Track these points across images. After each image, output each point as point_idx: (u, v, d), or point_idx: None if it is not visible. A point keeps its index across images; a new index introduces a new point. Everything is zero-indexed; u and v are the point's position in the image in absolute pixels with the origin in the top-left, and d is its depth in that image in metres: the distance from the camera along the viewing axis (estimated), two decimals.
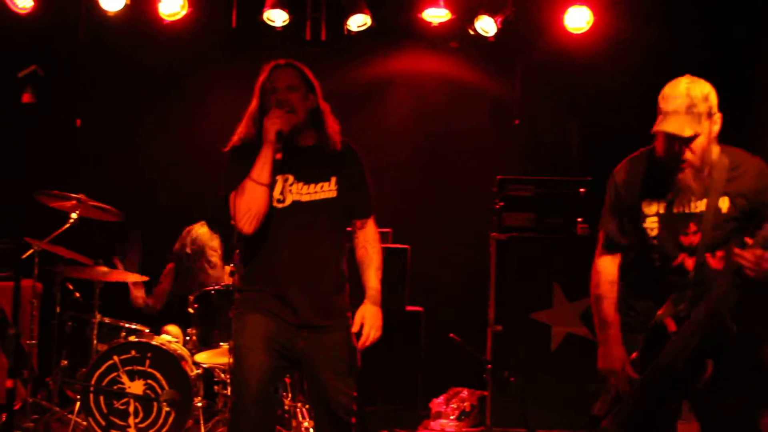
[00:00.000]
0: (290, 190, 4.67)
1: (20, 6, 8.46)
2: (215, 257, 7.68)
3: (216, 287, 6.89)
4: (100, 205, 7.00)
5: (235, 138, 4.84)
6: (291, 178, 4.68)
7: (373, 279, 4.83)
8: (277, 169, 4.62)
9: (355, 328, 4.69)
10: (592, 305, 4.49)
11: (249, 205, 4.54)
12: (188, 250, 7.62)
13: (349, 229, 4.92)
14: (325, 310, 4.70)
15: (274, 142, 4.55)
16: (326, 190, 4.73)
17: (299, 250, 4.65)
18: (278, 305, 4.63)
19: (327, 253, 4.74)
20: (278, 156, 4.59)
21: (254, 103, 4.81)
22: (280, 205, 4.65)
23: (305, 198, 4.69)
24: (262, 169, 4.55)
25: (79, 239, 7.07)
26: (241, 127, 4.84)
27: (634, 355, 4.29)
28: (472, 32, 8.66)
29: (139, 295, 7.78)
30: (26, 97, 4.99)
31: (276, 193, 4.64)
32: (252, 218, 4.56)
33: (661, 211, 4.34)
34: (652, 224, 4.35)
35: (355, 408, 4.74)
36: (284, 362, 4.67)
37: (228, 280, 7.07)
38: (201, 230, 7.67)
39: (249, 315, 4.68)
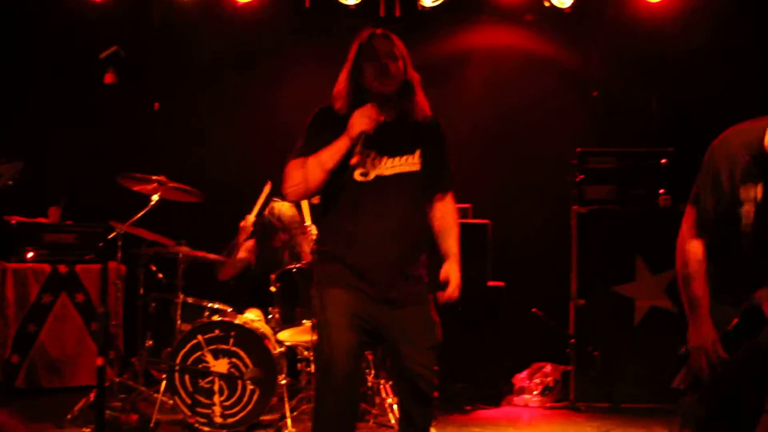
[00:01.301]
0: (373, 165, 4.60)
1: None
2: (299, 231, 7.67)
3: (297, 265, 6.89)
4: (181, 186, 7.04)
5: (331, 100, 4.74)
6: (373, 154, 4.59)
7: (453, 245, 4.77)
8: (361, 146, 4.51)
9: (442, 278, 4.66)
10: (680, 285, 4.23)
11: (304, 179, 4.56)
12: (276, 226, 7.59)
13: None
14: (407, 283, 4.65)
15: (354, 138, 4.49)
16: (410, 163, 4.66)
17: (381, 223, 4.59)
18: (360, 279, 4.58)
19: (410, 226, 4.68)
20: (353, 161, 4.50)
21: (348, 67, 4.71)
22: (363, 179, 4.59)
23: (388, 171, 4.62)
24: (331, 157, 4.53)
25: (160, 220, 7.12)
26: (336, 89, 4.73)
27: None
28: (547, 4, 8.60)
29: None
30: (108, 78, 5.02)
31: (359, 169, 4.57)
32: (300, 192, 4.62)
33: (758, 197, 4.01)
34: (747, 210, 4.03)
35: (436, 382, 4.67)
36: (367, 337, 4.63)
37: (308, 258, 7.07)
38: (284, 206, 7.64)
39: (330, 290, 4.62)
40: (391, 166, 4.64)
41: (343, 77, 4.73)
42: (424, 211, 4.80)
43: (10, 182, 5.27)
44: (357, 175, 4.58)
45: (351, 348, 4.52)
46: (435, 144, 4.78)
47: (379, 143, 4.59)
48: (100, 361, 3.87)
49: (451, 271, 4.69)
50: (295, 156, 4.63)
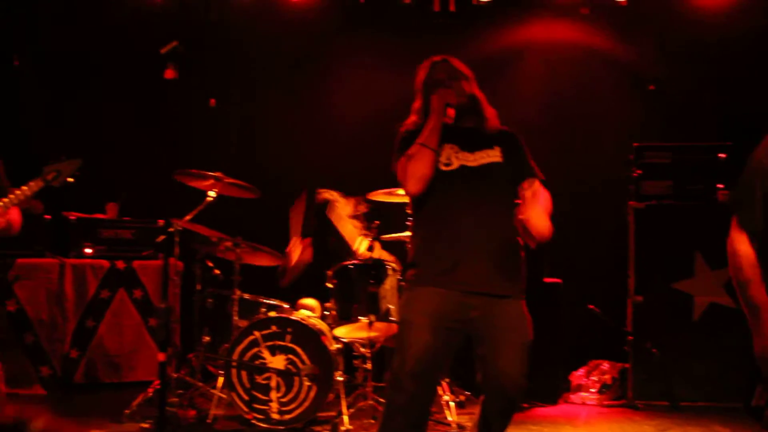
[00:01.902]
0: (457, 156, 4.70)
1: None
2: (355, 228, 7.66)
3: (354, 262, 6.89)
4: (237, 182, 7.06)
5: (405, 128, 4.92)
6: (457, 147, 4.71)
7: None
8: (443, 139, 4.66)
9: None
10: (737, 290, 4.02)
11: (415, 167, 4.60)
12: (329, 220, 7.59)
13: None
14: (500, 277, 4.60)
15: (441, 111, 4.66)
16: (491, 155, 4.73)
17: (471, 215, 4.63)
18: (450, 274, 4.56)
19: (499, 217, 4.66)
20: (447, 118, 4.65)
21: (418, 102, 4.94)
22: (447, 168, 4.66)
23: (472, 163, 4.71)
24: (430, 135, 4.64)
25: (217, 217, 7.14)
26: (409, 120, 4.94)
27: None
28: None
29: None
30: (168, 73, 5.03)
31: (443, 158, 4.67)
32: (418, 179, 4.61)
33: None
34: None
35: (525, 386, 4.56)
36: (454, 338, 4.59)
37: (365, 255, 7.06)
38: (340, 201, 7.64)
39: (418, 288, 4.64)
40: (474, 159, 4.71)
41: (414, 108, 4.95)
42: (513, 204, 4.66)
43: (70, 179, 5.28)
44: (441, 165, 4.67)
45: (427, 349, 4.49)
46: (512, 143, 4.84)
47: (459, 140, 4.72)
48: (161, 357, 3.88)
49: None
50: (398, 158, 4.76)
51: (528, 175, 4.75)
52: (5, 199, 5.12)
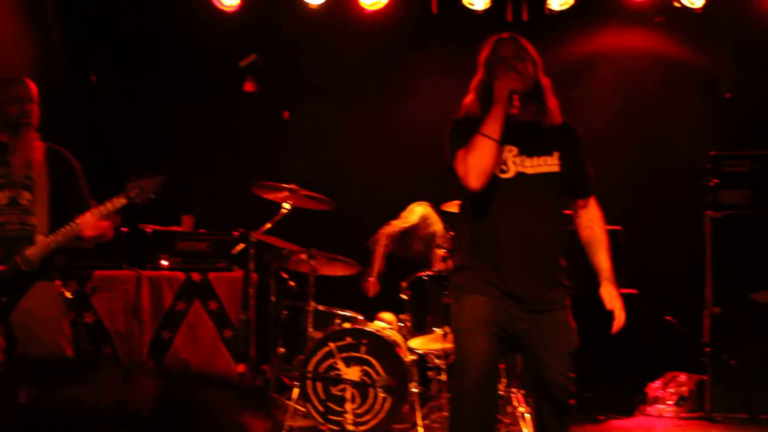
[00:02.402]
0: (514, 162, 4.55)
1: (227, 4, 8.71)
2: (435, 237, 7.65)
3: (429, 273, 6.88)
4: (312, 194, 7.08)
5: (462, 111, 4.75)
6: (515, 150, 4.56)
7: (605, 260, 4.72)
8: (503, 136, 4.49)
9: (608, 308, 4.66)
10: None
11: (478, 159, 4.43)
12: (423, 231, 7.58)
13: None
14: (547, 288, 4.59)
15: (506, 100, 4.46)
16: (549, 164, 4.59)
17: (522, 224, 4.56)
18: (498, 283, 4.53)
19: (551, 228, 4.64)
20: (514, 109, 4.47)
21: (479, 76, 4.73)
22: (503, 176, 4.54)
23: (530, 170, 4.57)
24: (493, 124, 4.45)
25: (291, 228, 7.17)
26: (466, 100, 4.76)
27: None
28: (677, 5, 8.45)
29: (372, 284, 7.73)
30: (248, 86, 5.09)
31: (499, 163, 4.52)
32: (480, 173, 4.44)
33: None
34: None
35: (573, 390, 4.62)
36: (503, 345, 4.61)
37: (440, 266, 7.05)
38: (427, 210, 7.63)
39: (467, 296, 4.61)
40: (531, 166, 4.57)
41: (473, 84, 4.74)
42: (564, 216, 4.74)
43: (152, 196, 5.37)
44: (497, 171, 4.52)
45: (486, 356, 4.52)
46: (572, 147, 4.71)
47: (519, 141, 4.56)
48: (241, 369, 3.90)
49: (612, 296, 4.68)
50: (456, 150, 4.57)
51: (586, 193, 4.80)
52: (101, 207, 5.25)
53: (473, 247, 4.68)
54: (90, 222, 5.26)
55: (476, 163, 4.44)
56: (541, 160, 4.58)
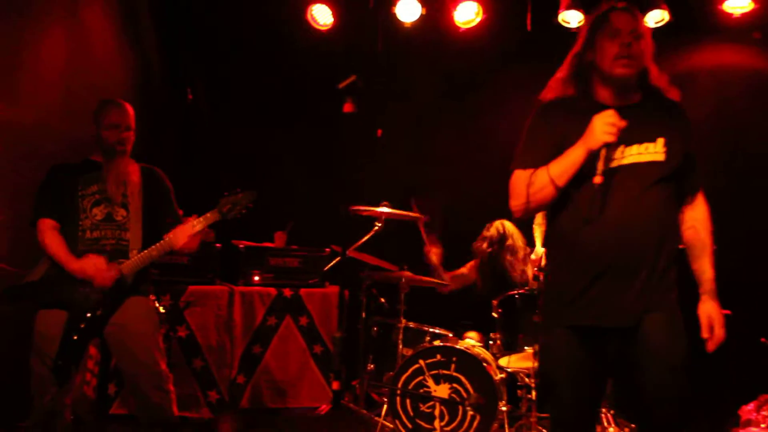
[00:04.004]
0: (607, 155, 4.01)
1: (321, 23, 8.82)
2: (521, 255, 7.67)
3: (520, 291, 6.85)
4: (403, 213, 7.09)
5: (549, 91, 4.37)
6: (606, 150, 4.01)
7: (708, 268, 4.25)
8: (603, 160, 3.99)
9: (704, 333, 4.15)
10: None
11: (533, 196, 4.09)
12: (499, 246, 7.64)
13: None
14: (650, 297, 4.05)
15: (594, 151, 3.99)
16: (652, 152, 4.10)
17: (620, 225, 4.03)
18: (589, 306, 4.06)
19: (655, 228, 4.08)
20: (596, 180, 3.95)
21: (577, 49, 4.30)
22: (594, 178, 3.99)
23: (626, 160, 4.08)
24: (564, 172, 4.03)
25: (383, 245, 7.19)
26: (557, 75, 4.38)
27: None
28: None
29: (435, 251, 7.79)
30: (347, 107, 5.14)
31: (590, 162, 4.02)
32: (526, 210, 4.15)
33: None
34: None
35: (687, 408, 4.11)
36: (602, 370, 4.21)
37: (533, 284, 7.02)
38: (509, 226, 7.68)
39: (555, 332, 4.21)
40: (630, 154, 4.09)
41: (568, 59, 4.35)
42: (672, 211, 4.23)
43: (244, 211, 5.44)
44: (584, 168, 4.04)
45: (578, 402, 4.18)
46: (680, 132, 4.20)
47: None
48: (336, 386, 3.93)
49: (711, 311, 4.21)
50: (520, 166, 4.21)
51: (692, 187, 4.30)
52: (193, 221, 5.34)
53: (563, 261, 4.24)
54: (181, 235, 5.35)
55: (526, 201, 4.13)
56: (642, 147, 4.09)
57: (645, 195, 4.08)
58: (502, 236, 7.67)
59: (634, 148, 4.10)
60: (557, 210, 4.23)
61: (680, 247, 4.29)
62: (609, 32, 4.12)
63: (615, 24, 4.11)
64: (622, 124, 3.96)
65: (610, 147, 4.02)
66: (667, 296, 4.13)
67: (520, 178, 4.16)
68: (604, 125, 3.95)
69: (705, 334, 4.17)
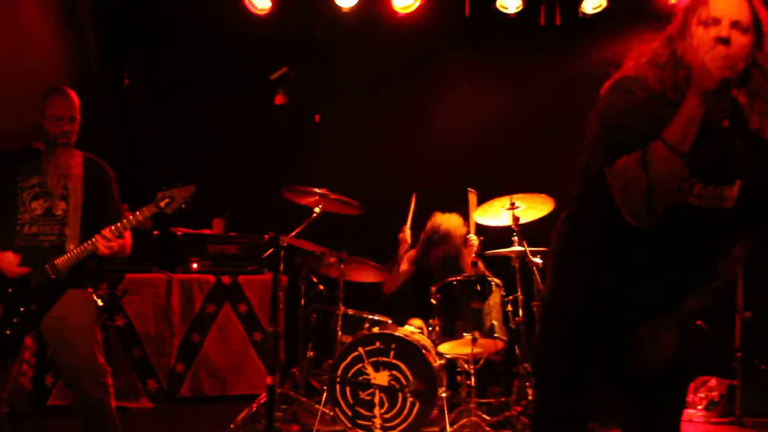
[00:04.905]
0: (680, 188, 3.26)
1: (259, 7, 8.74)
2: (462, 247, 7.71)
3: (458, 278, 6.87)
4: (343, 198, 7.09)
5: (627, 79, 3.38)
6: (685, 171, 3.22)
7: None
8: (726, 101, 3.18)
9: None
10: None
11: (659, 180, 3.13)
12: (436, 238, 7.67)
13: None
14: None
15: (711, 93, 3.08)
16: (726, 196, 3.31)
17: (664, 274, 3.41)
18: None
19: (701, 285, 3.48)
20: (725, 123, 3.20)
21: (672, 30, 3.38)
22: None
23: (695, 200, 3.29)
24: (684, 132, 3.09)
25: (321, 232, 7.18)
26: (638, 60, 3.45)
27: None
28: None
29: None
30: (279, 99, 5.06)
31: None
32: (658, 203, 3.20)
33: None
34: None
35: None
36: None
37: (470, 271, 7.05)
38: (447, 218, 7.71)
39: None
40: (700, 196, 3.28)
41: (658, 41, 3.44)
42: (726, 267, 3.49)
43: (184, 206, 5.38)
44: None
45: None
46: (762, 174, 3.31)
47: (691, 157, 3.15)
48: (269, 380, 3.89)
49: None
50: (618, 154, 3.22)
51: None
52: (118, 224, 5.25)
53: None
54: (104, 240, 5.27)
55: (652, 186, 3.14)
56: (719, 190, 3.29)
57: (700, 243, 3.38)
58: (438, 228, 7.70)
59: (710, 190, 3.29)
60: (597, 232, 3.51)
61: None
62: (705, 16, 3.24)
63: (713, 9, 3.24)
64: (739, 61, 3.16)
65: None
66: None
67: (629, 167, 3.19)
68: (717, 58, 3.10)
69: None
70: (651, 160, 3.11)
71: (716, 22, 3.19)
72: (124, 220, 5.28)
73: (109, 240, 5.24)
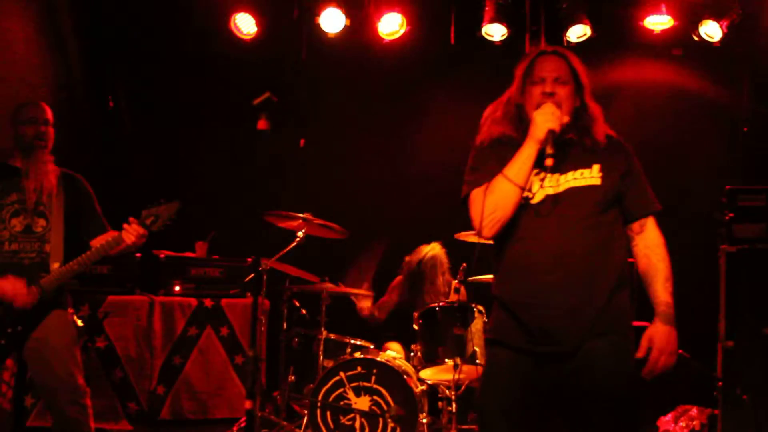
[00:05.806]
0: (542, 185, 4.01)
1: (245, 32, 8.76)
2: (443, 277, 7.76)
3: (440, 304, 6.87)
4: (326, 223, 7.09)
5: (484, 131, 4.25)
6: (543, 173, 4.01)
7: (662, 292, 4.10)
8: (551, 147, 3.94)
9: (640, 353, 3.94)
10: None
11: (496, 205, 3.94)
12: (420, 268, 7.71)
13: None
14: (591, 326, 3.92)
15: (542, 141, 3.94)
16: (587, 176, 4.03)
17: (558, 247, 3.95)
18: (531, 335, 3.95)
19: (596, 259, 3.96)
20: (548, 162, 3.93)
21: (513, 90, 4.22)
22: (531, 201, 4.01)
23: (562, 187, 4.02)
24: (520, 168, 3.95)
25: (305, 257, 7.18)
26: (494, 115, 4.27)
27: None
28: (696, 38, 8.43)
29: (364, 306, 7.90)
30: (261, 124, 5.09)
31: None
32: (496, 221, 3.96)
33: None
34: None
35: None
36: (542, 402, 4.03)
37: (453, 297, 7.05)
38: (436, 249, 7.76)
39: (496, 349, 4.12)
40: (565, 181, 4.06)
41: (504, 98, 4.27)
42: (617, 235, 4.11)
43: (169, 223, 5.37)
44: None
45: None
46: (618, 158, 4.15)
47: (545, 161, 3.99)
48: (248, 404, 3.89)
49: (656, 335, 4.00)
50: (473, 186, 4.10)
51: (639, 213, 4.21)
52: (110, 239, 5.26)
53: (504, 288, 4.14)
54: (133, 230, 5.25)
55: (492, 210, 3.97)
56: (577, 173, 4.05)
57: (584, 219, 3.99)
58: (430, 258, 7.76)
59: (570, 175, 4.04)
60: (498, 239, 4.13)
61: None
62: (534, 78, 4.13)
63: (541, 70, 4.13)
64: (563, 118, 4.03)
65: (543, 175, 4.04)
66: (617, 321, 4.02)
67: (476, 196, 4.07)
68: (544, 114, 3.99)
69: (639, 354, 3.95)
70: (494, 189, 3.99)
71: (542, 80, 4.10)
72: (109, 239, 5.29)
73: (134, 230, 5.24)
